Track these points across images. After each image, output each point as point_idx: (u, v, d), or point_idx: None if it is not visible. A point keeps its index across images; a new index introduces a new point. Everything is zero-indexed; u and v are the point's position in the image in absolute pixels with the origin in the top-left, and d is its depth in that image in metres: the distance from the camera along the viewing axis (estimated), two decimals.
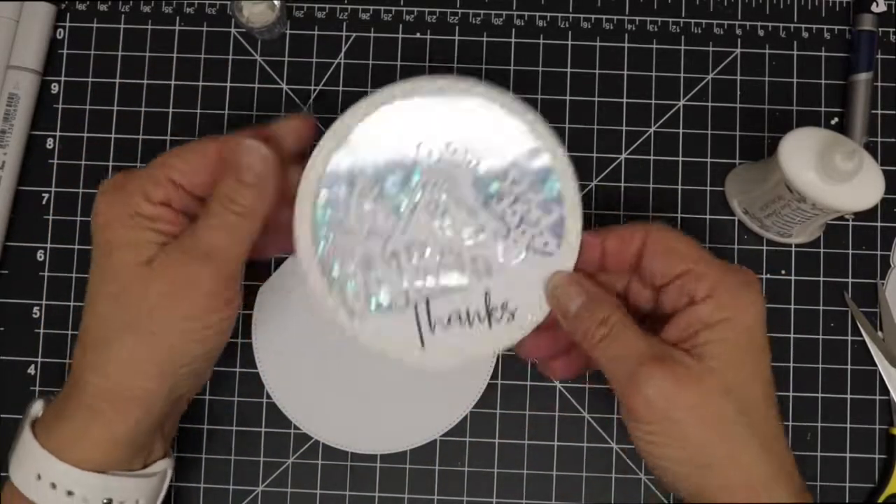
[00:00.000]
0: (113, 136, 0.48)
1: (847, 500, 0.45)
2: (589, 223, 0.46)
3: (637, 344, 0.33)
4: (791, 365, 0.46)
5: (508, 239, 0.37)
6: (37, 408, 0.37)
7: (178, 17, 0.48)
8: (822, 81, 0.48)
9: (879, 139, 0.47)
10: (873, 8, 0.47)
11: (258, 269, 0.46)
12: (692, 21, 0.48)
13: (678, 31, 0.48)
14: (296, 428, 0.45)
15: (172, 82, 0.48)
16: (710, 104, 0.47)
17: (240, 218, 0.35)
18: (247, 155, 0.36)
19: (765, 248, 0.46)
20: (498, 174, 0.36)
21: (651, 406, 0.32)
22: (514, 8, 0.48)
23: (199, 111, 0.48)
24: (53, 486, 0.35)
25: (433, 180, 0.36)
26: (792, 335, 0.46)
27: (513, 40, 0.48)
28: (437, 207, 0.37)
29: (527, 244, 0.37)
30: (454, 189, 0.37)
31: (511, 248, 0.37)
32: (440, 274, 0.37)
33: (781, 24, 0.48)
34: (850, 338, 0.46)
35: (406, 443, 0.45)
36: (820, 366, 0.46)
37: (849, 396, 0.46)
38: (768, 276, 0.46)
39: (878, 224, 0.47)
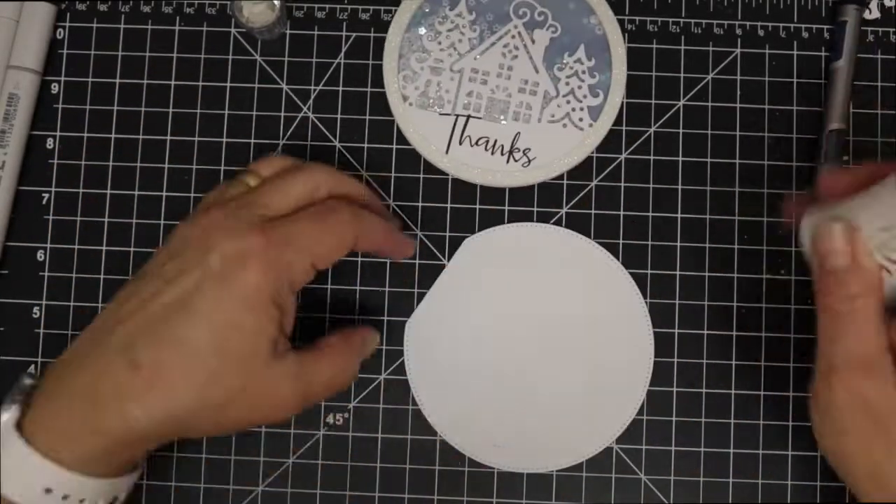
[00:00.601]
0: (113, 136, 0.48)
1: (847, 500, 0.45)
2: (589, 223, 0.46)
3: (858, 343, 0.33)
4: (791, 365, 0.46)
5: (553, 103, 0.46)
6: (14, 411, 0.34)
7: (178, 17, 0.48)
8: (823, 81, 0.48)
9: (879, 139, 0.47)
10: (866, 15, 0.48)
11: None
12: (692, 21, 0.48)
13: (678, 31, 0.48)
14: (296, 428, 0.45)
15: (172, 82, 0.48)
16: (710, 104, 0.47)
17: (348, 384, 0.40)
18: (370, 344, 0.42)
19: (765, 247, 0.46)
20: (569, 48, 0.46)
21: (835, 403, 0.33)
22: None
23: (198, 111, 0.48)
24: (66, 497, 0.34)
25: (518, 30, 0.46)
26: (792, 335, 0.46)
27: None
28: (510, 52, 0.46)
29: (566, 113, 0.46)
30: (530, 44, 0.46)
31: (552, 111, 0.46)
32: (488, 103, 0.46)
33: (781, 24, 0.48)
34: None
35: (553, 464, 0.45)
36: None
37: None
38: (768, 276, 0.46)
39: None
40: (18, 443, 0.34)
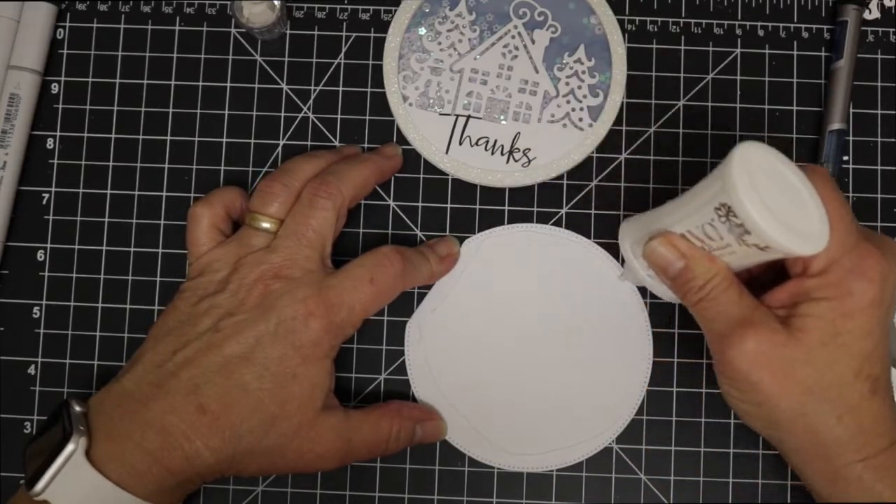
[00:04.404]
0: (113, 136, 0.48)
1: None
2: (589, 223, 0.46)
3: (732, 308, 0.36)
4: None
5: (553, 103, 0.46)
6: (82, 442, 0.36)
7: (178, 17, 0.48)
8: (823, 81, 0.48)
9: (879, 139, 0.47)
10: (866, 15, 0.48)
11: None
12: (692, 21, 0.48)
13: (678, 31, 0.48)
14: None
15: (172, 82, 0.48)
16: (710, 104, 0.47)
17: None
18: (432, 430, 0.44)
19: None
20: (569, 48, 0.45)
21: (734, 366, 0.35)
22: None
23: (199, 111, 0.48)
24: None
25: (517, 31, 0.46)
26: None
27: None
28: (510, 52, 0.46)
29: (566, 113, 0.45)
30: (530, 44, 0.46)
31: (552, 111, 0.45)
32: (488, 104, 0.46)
33: (781, 24, 0.48)
34: None
35: (553, 464, 0.45)
36: None
37: None
38: None
39: (878, 224, 0.47)
40: (92, 473, 0.36)
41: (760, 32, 0.48)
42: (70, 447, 0.36)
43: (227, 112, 0.48)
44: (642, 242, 0.38)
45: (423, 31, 0.47)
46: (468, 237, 0.46)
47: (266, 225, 0.41)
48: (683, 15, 0.48)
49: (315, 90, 0.48)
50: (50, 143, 0.48)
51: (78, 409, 0.38)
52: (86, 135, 0.48)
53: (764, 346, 0.35)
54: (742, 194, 0.32)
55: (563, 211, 0.47)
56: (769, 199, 0.33)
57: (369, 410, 0.42)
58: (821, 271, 0.35)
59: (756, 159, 0.33)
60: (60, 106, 0.48)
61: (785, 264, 0.37)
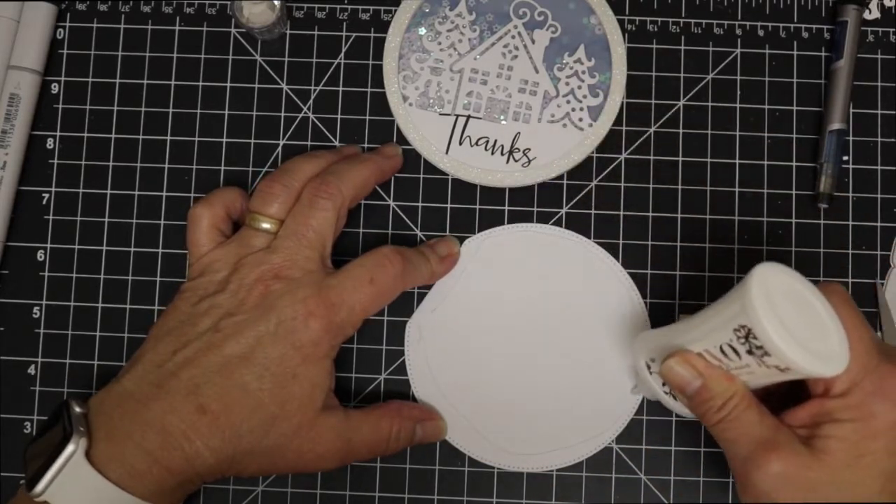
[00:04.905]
0: (113, 136, 0.48)
1: None
2: (589, 223, 0.46)
3: (754, 429, 0.35)
4: None
5: (553, 103, 0.46)
6: (82, 443, 0.36)
7: (178, 17, 0.48)
8: (823, 81, 0.48)
9: (879, 139, 0.47)
10: (866, 15, 0.48)
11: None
12: (692, 21, 0.48)
13: (678, 31, 0.48)
14: None
15: (172, 82, 0.48)
16: (710, 104, 0.47)
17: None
18: (431, 430, 0.44)
19: (764, 247, 0.46)
20: (569, 48, 0.45)
21: (759, 489, 0.35)
22: None
23: (199, 111, 0.48)
24: None
25: (517, 31, 0.46)
26: None
27: None
28: (510, 52, 0.46)
29: (566, 113, 0.45)
30: (530, 44, 0.45)
31: (552, 111, 0.45)
32: (488, 104, 0.46)
33: (781, 24, 0.48)
34: None
35: (553, 464, 0.45)
36: None
37: None
38: None
39: (878, 224, 0.47)
40: (93, 474, 0.36)
41: (760, 32, 0.48)
42: (70, 448, 0.36)
43: (227, 112, 0.48)
44: (658, 358, 0.38)
45: (423, 31, 0.47)
46: (468, 237, 0.46)
47: (266, 225, 0.41)
48: (683, 15, 0.48)
49: (315, 90, 0.48)
50: (50, 143, 0.48)
51: (78, 409, 0.38)
52: (86, 135, 0.48)
53: (789, 468, 0.34)
54: (762, 317, 0.32)
55: (563, 211, 0.47)
56: (788, 321, 0.33)
57: (369, 410, 0.42)
58: (843, 393, 0.35)
59: (774, 280, 0.33)
60: (60, 106, 0.48)
61: (806, 383, 0.36)
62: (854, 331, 0.35)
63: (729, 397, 0.36)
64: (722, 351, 0.35)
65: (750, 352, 0.34)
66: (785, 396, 0.37)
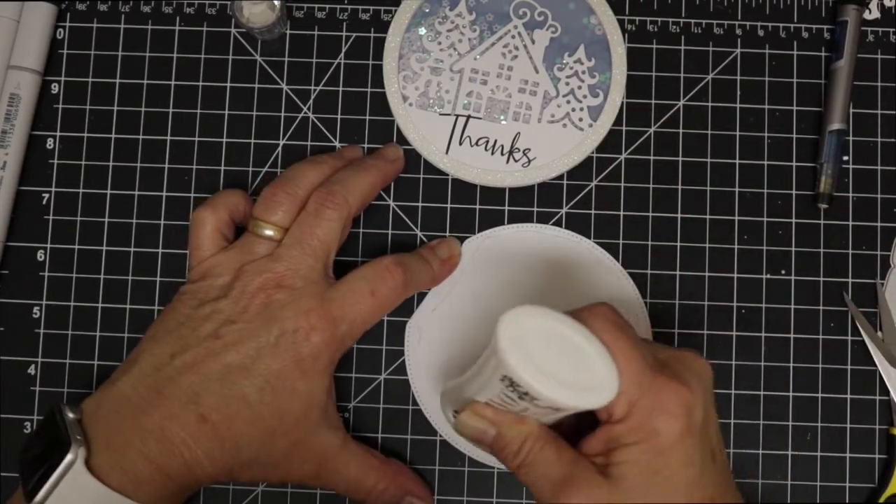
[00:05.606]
0: (113, 136, 0.48)
1: (847, 500, 0.45)
2: (589, 223, 0.46)
3: (551, 468, 0.35)
4: (791, 365, 0.46)
5: (553, 103, 0.46)
6: (81, 452, 0.36)
7: (178, 17, 0.48)
8: (823, 81, 0.48)
9: (879, 139, 0.47)
10: (866, 15, 0.48)
11: None
12: (692, 21, 0.48)
13: (678, 31, 0.48)
14: None
15: (172, 82, 0.48)
16: (710, 104, 0.47)
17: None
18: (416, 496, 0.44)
19: (765, 247, 0.46)
20: (569, 48, 0.45)
21: None
22: None
23: (199, 111, 0.48)
24: None
25: (517, 31, 0.46)
26: (792, 335, 0.46)
27: None
28: (510, 52, 0.46)
29: (566, 113, 0.46)
30: (530, 44, 0.46)
31: (552, 111, 0.46)
32: (488, 104, 0.46)
33: (781, 24, 0.48)
34: (849, 338, 0.46)
35: None
36: (820, 366, 0.46)
37: (849, 396, 0.46)
38: (768, 276, 0.46)
39: (878, 224, 0.47)
40: (94, 483, 0.35)
41: (760, 32, 0.48)
42: (69, 457, 0.35)
43: (227, 112, 0.48)
44: (459, 409, 0.37)
45: (423, 31, 0.47)
46: (468, 237, 0.46)
47: (269, 232, 0.41)
48: (683, 15, 0.48)
49: (315, 90, 0.48)
50: (50, 143, 0.48)
51: (71, 415, 0.37)
52: (86, 135, 0.48)
53: (588, 502, 0.33)
54: (515, 365, 0.31)
55: (563, 211, 0.47)
56: (546, 362, 0.32)
57: (367, 454, 0.42)
58: (624, 416, 0.34)
59: (525, 324, 0.32)
60: (60, 106, 0.48)
61: (598, 411, 0.35)
62: (621, 353, 0.33)
63: (523, 440, 0.35)
64: (502, 400, 0.34)
65: (521, 397, 0.33)
66: (595, 423, 0.36)
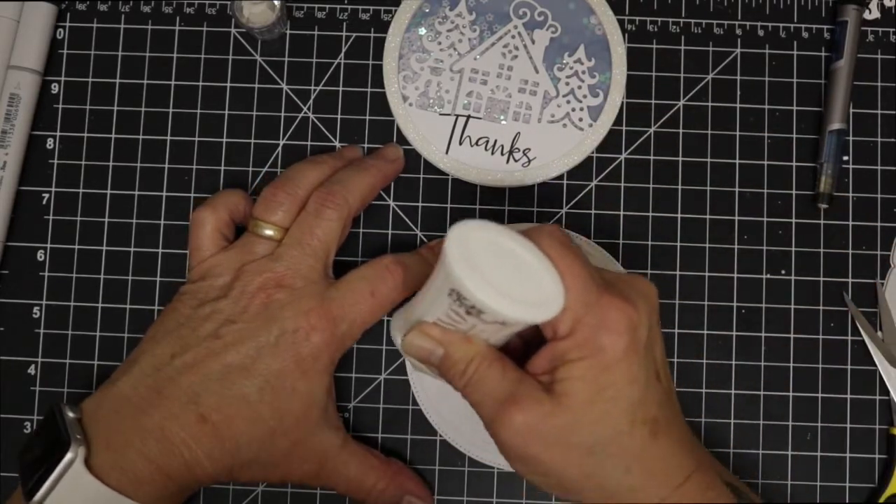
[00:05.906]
0: (113, 136, 0.48)
1: (847, 500, 0.45)
2: (589, 223, 0.46)
3: (497, 387, 0.34)
4: (791, 365, 0.46)
5: (553, 103, 0.46)
6: (81, 451, 0.36)
7: (178, 17, 0.48)
8: (823, 81, 0.48)
9: (879, 139, 0.47)
10: (866, 15, 0.48)
11: None
12: (692, 21, 0.48)
13: (678, 31, 0.48)
14: None
15: (172, 82, 0.48)
16: (710, 104, 0.47)
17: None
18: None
19: (765, 247, 0.46)
20: (569, 48, 0.46)
21: (509, 445, 0.34)
22: None
23: (199, 111, 0.48)
24: None
25: (517, 31, 0.46)
26: (792, 335, 0.46)
27: None
28: (510, 52, 0.46)
29: (566, 113, 0.46)
30: (530, 44, 0.46)
31: (552, 111, 0.46)
32: (488, 104, 0.46)
33: (781, 24, 0.48)
34: (849, 338, 0.46)
35: None
36: (820, 366, 0.46)
37: (849, 396, 0.46)
38: (768, 276, 0.46)
39: (878, 224, 0.47)
40: (94, 482, 0.35)
41: (760, 32, 0.48)
42: (69, 456, 0.35)
43: (227, 112, 0.48)
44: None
45: (423, 31, 0.47)
46: None
47: (269, 232, 0.41)
48: (683, 15, 0.48)
49: (315, 90, 0.48)
50: (50, 143, 0.48)
51: (71, 414, 0.37)
52: (86, 135, 0.48)
53: (531, 419, 0.33)
54: (463, 278, 0.31)
55: (563, 211, 0.47)
56: (493, 276, 0.32)
57: (367, 453, 0.42)
58: (569, 332, 0.33)
59: (474, 238, 0.33)
60: (60, 106, 0.48)
61: (543, 328, 0.35)
62: (567, 270, 0.33)
63: (470, 360, 0.35)
64: (450, 317, 0.34)
65: (468, 312, 0.33)
66: (542, 345, 0.36)
